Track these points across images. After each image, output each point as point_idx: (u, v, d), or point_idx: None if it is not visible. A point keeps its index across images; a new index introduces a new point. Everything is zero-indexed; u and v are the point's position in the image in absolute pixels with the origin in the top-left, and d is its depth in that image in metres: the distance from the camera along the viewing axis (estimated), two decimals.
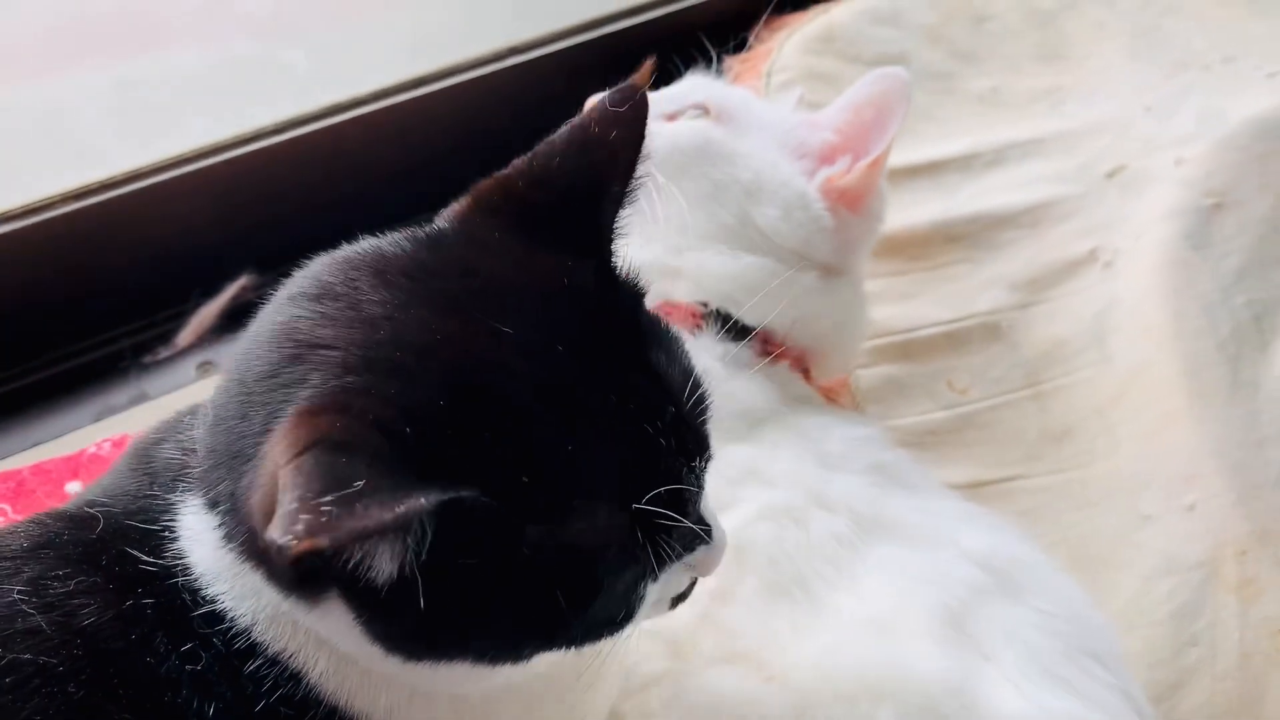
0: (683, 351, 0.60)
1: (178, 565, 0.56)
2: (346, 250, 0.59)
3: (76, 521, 0.60)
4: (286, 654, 0.56)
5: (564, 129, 0.61)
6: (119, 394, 1.18)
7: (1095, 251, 1.22)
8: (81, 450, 0.99)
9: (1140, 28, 1.48)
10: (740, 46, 1.46)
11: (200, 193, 1.24)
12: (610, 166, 0.59)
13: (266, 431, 0.49)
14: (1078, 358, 1.16)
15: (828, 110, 0.98)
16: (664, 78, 1.07)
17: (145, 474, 0.62)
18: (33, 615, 0.54)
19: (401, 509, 0.42)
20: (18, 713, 0.51)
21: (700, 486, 0.58)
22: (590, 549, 0.52)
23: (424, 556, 0.46)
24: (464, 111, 1.35)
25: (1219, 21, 1.46)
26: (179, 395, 1.17)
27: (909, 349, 1.18)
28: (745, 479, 0.84)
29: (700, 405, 0.58)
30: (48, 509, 0.64)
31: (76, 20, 1.38)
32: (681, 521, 0.55)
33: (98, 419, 1.14)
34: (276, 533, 0.42)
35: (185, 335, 1.22)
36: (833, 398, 1.04)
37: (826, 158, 0.96)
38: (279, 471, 0.44)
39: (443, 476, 0.45)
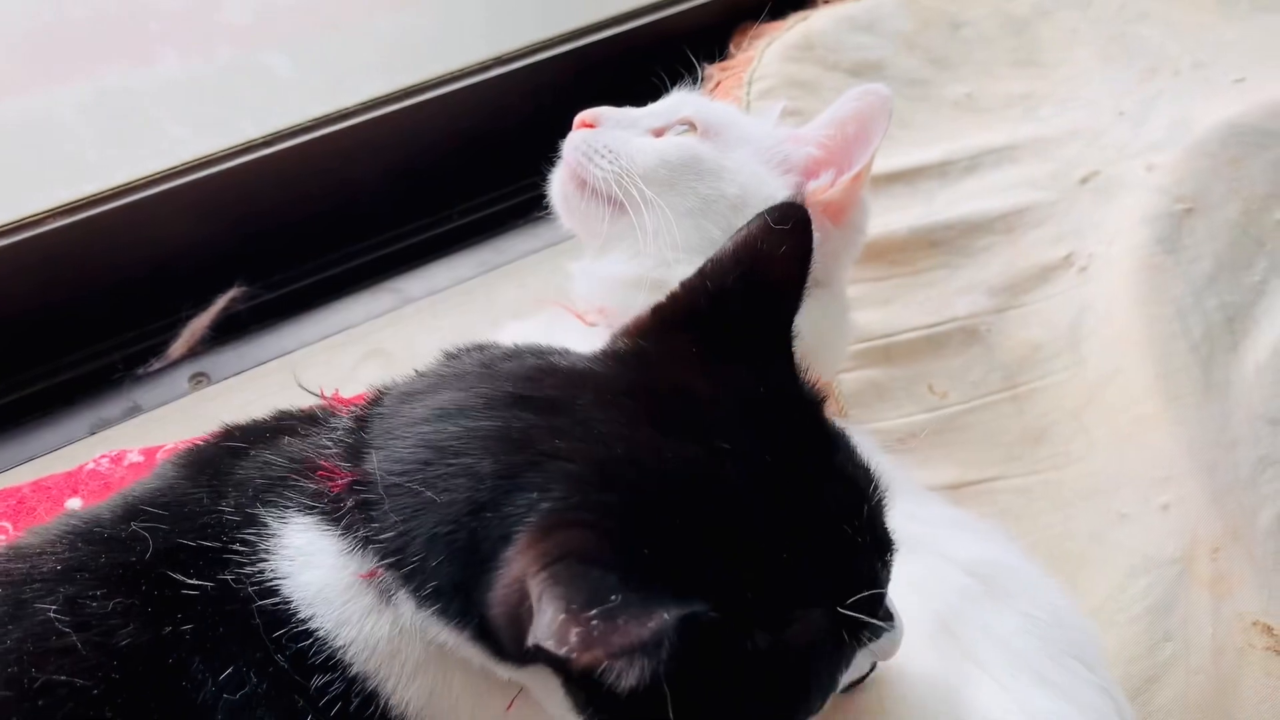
0: (856, 447, 0.64)
1: (251, 585, 0.58)
2: (549, 360, 0.62)
3: (115, 544, 0.60)
4: (370, 677, 0.58)
5: (730, 245, 0.66)
6: (112, 406, 1.18)
7: (1070, 257, 1.25)
8: (80, 466, 0.99)
9: (1112, 34, 1.51)
10: (721, 55, 1.48)
11: (189, 205, 1.24)
12: (784, 281, 0.64)
13: (502, 534, 0.52)
14: (1054, 361, 1.19)
15: (811, 125, 1.00)
16: (647, 87, 1.09)
17: (212, 491, 0.62)
18: (68, 634, 0.55)
19: (654, 625, 0.44)
20: None
21: (889, 580, 0.62)
22: (806, 649, 0.56)
23: (664, 667, 0.47)
24: (448, 122, 1.37)
25: (1190, 27, 1.50)
26: (172, 407, 1.18)
27: (890, 353, 1.20)
28: None
29: (882, 500, 0.62)
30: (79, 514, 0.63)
31: (55, 31, 1.38)
32: (877, 622, 0.59)
33: (92, 432, 1.15)
34: (551, 642, 0.45)
35: (177, 347, 1.23)
36: None
37: (810, 172, 0.98)
38: (530, 579, 0.47)
39: (681, 592, 0.47)
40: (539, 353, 0.64)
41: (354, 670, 0.58)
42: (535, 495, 0.52)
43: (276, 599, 0.57)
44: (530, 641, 0.47)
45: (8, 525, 0.92)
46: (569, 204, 1.00)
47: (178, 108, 1.36)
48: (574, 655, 0.44)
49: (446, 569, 0.55)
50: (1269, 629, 0.97)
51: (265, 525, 0.59)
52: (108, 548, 0.60)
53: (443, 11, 1.54)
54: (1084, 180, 1.31)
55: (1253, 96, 1.34)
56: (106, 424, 1.16)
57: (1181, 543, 1.02)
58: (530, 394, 0.59)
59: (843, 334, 1.08)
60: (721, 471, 0.55)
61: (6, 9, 1.34)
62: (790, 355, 0.65)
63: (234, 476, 0.62)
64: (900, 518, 0.86)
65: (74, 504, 0.94)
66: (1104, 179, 1.30)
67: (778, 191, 0.96)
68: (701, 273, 0.66)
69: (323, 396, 0.71)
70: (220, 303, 1.25)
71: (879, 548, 0.61)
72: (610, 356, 0.63)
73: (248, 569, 0.58)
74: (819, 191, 0.97)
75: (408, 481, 0.57)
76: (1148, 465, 1.07)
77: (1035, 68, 1.49)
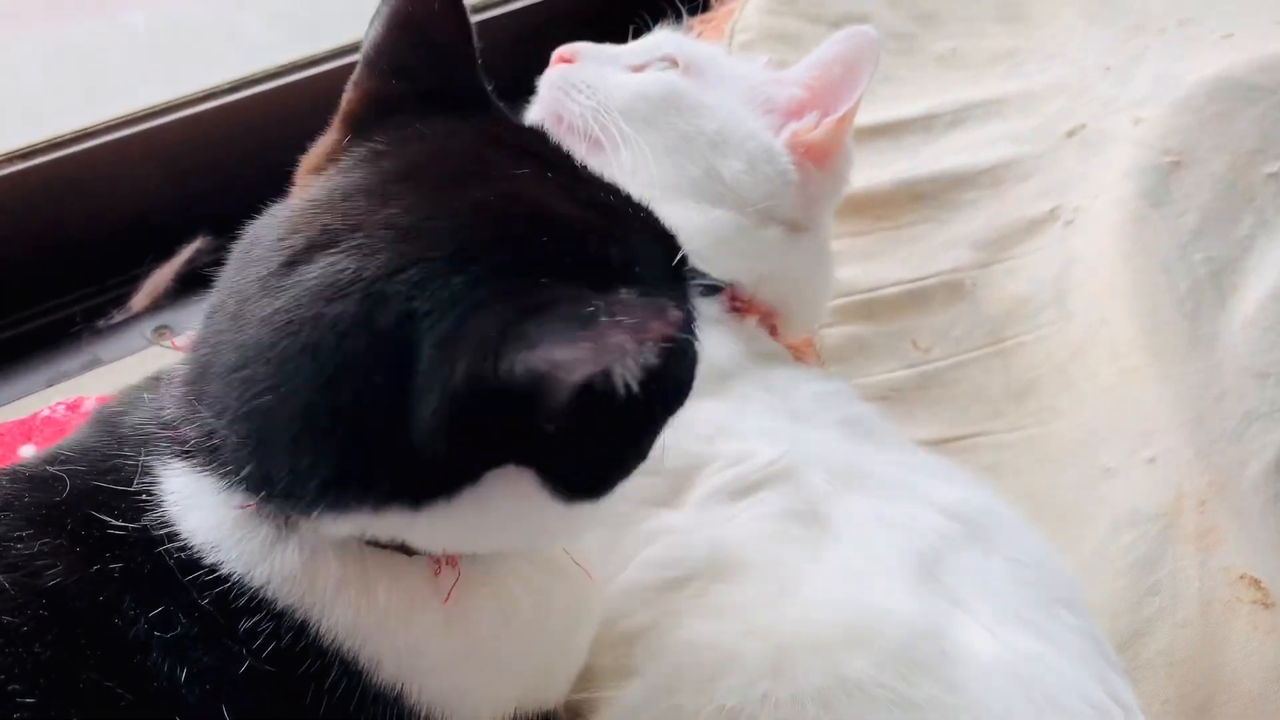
0: None
1: (159, 530, 0.56)
2: (292, 214, 0.57)
3: (38, 483, 0.59)
4: (296, 609, 0.55)
5: (383, 29, 0.63)
6: (71, 359, 1.15)
7: (1055, 210, 1.23)
8: (35, 413, 0.97)
9: None
10: (703, 7, 1.45)
11: (152, 153, 1.21)
12: (453, 35, 0.63)
13: (405, 361, 0.48)
14: (1039, 315, 1.17)
15: (796, 67, 0.98)
16: (629, 35, 1.06)
17: (113, 438, 0.61)
18: None
19: (676, 309, 0.46)
20: None
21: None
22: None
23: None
24: None
25: None
26: (132, 360, 1.15)
27: (872, 308, 1.18)
28: (716, 435, 0.84)
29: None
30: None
31: None
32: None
33: (50, 384, 1.12)
34: (589, 365, 0.46)
35: (139, 299, 1.19)
36: (798, 357, 1.04)
37: (794, 113, 0.96)
38: (506, 356, 0.45)
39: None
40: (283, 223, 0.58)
41: (279, 605, 0.55)
42: (413, 306, 0.48)
43: (182, 544, 0.55)
44: (556, 400, 0.47)
45: None
46: None
47: (145, 62, 1.33)
48: (608, 360, 0.46)
49: (324, 459, 0.51)
50: (1256, 582, 0.95)
51: (151, 471, 0.58)
52: (31, 486, 0.58)
53: None
54: (1070, 134, 1.29)
55: (1241, 52, 1.32)
56: (65, 376, 1.13)
57: (1167, 497, 1.00)
58: (307, 243, 0.54)
59: (825, 284, 1.05)
60: (536, 193, 0.55)
61: None
62: (497, 107, 0.65)
63: (122, 430, 0.61)
64: (880, 464, 0.85)
65: (27, 450, 0.92)
66: (1090, 133, 1.28)
67: (759, 131, 0.94)
68: (372, 63, 0.63)
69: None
70: (185, 254, 1.21)
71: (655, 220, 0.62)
72: (349, 167, 0.59)
73: (154, 515, 0.56)
74: (803, 132, 0.95)
75: (239, 404, 0.53)
76: (1133, 419, 1.05)
77: (1020, 24, 1.46)
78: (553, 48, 1.00)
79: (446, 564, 0.59)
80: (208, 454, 0.55)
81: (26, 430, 0.93)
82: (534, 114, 0.97)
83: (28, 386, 1.11)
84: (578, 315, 0.45)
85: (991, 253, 1.21)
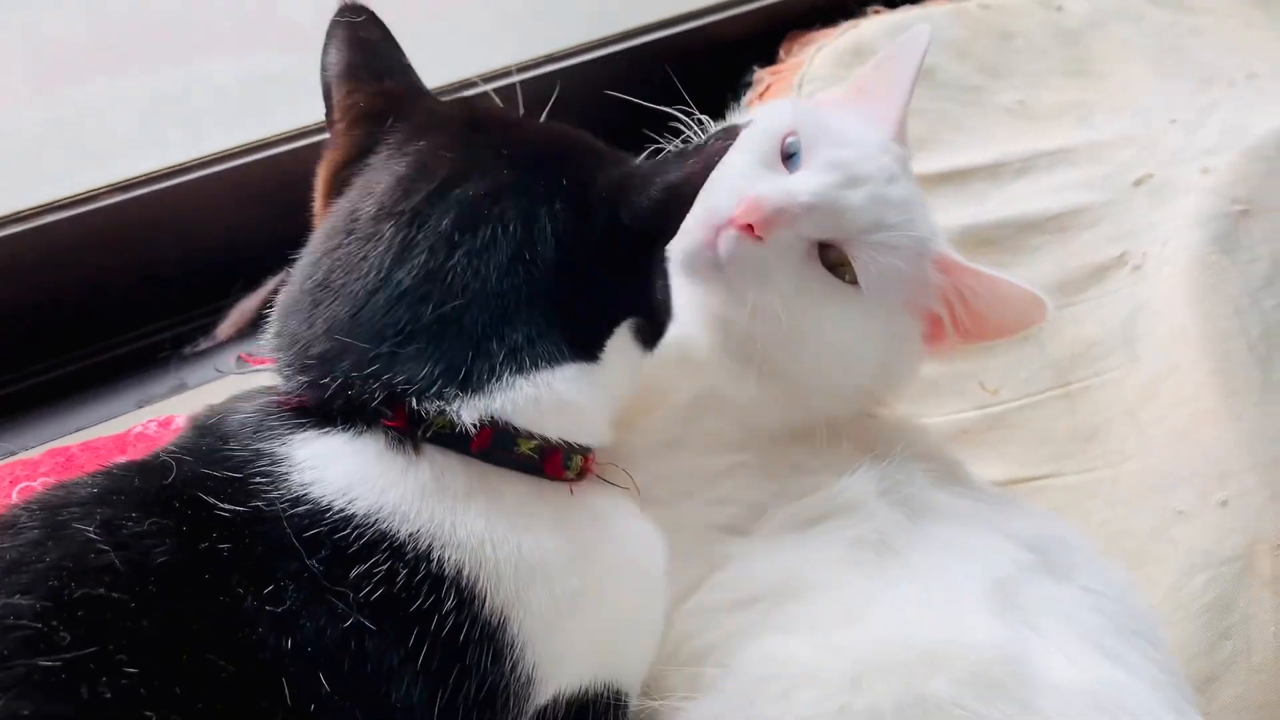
0: None
1: (280, 504, 0.60)
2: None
3: (148, 469, 0.62)
4: (420, 533, 0.60)
5: (335, 54, 0.76)
6: (159, 384, 1.19)
7: (1124, 256, 1.23)
8: (129, 429, 1.00)
9: (1165, 46, 1.50)
10: (770, 62, 1.49)
11: (238, 189, 1.25)
12: (384, 39, 0.77)
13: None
14: (1107, 359, 1.17)
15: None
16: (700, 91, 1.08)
17: (216, 436, 0.65)
18: (106, 552, 0.56)
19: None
20: (90, 646, 0.52)
21: None
22: None
23: None
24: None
25: (1242, 41, 1.49)
26: (217, 385, 1.18)
27: None
28: (789, 472, 0.86)
29: None
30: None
31: (121, 27, 1.40)
32: None
33: (139, 406, 1.15)
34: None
35: (225, 328, 1.23)
36: None
37: None
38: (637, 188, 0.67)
39: None
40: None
41: (402, 535, 0.60)
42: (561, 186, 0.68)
43: (307, 505, 0.60)
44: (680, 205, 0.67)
45: (54, 481, 0.91)
46: None
47: (231, 110, 1.37)
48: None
49: (523, 327, 0.64)
50: None
51: (272, 454, 0.62)
52: (141, 473, 0.62)
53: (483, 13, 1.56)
54: (1138, 183, 1.30)
55: None
56: (152, 399, 1.17)
57: (1241, 540, 0.99)
58: (429, 190, 0.67)
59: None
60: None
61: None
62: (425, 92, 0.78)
63: (225, 429, 0.66)
64: (954, 497, 0.86)
65: None
66: (1158, 181, 1.29)
67: None
68: (352, 74, 0.75)
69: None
70: (270, 285, 1.25)
71: None
72: (405, 140, 0.72)
73: (273, 493, 0.60)
74: None
75: (409, 325, 0.63)
76: (1205, 462, 1.04)
77: (1087, 78, 1.48)
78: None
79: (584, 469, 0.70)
80: (345, 409, 0.63)
81: (121, 445, 0.96)
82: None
83: (119, 407, 1.15)
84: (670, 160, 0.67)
85: (1059, 297, 1.21)
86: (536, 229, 0.66)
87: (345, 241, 0.67)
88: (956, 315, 0.86)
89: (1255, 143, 1.26)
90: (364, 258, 0.65)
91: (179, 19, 1.42)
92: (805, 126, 0.89)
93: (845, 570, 0.78)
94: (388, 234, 0.66)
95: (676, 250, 0.81)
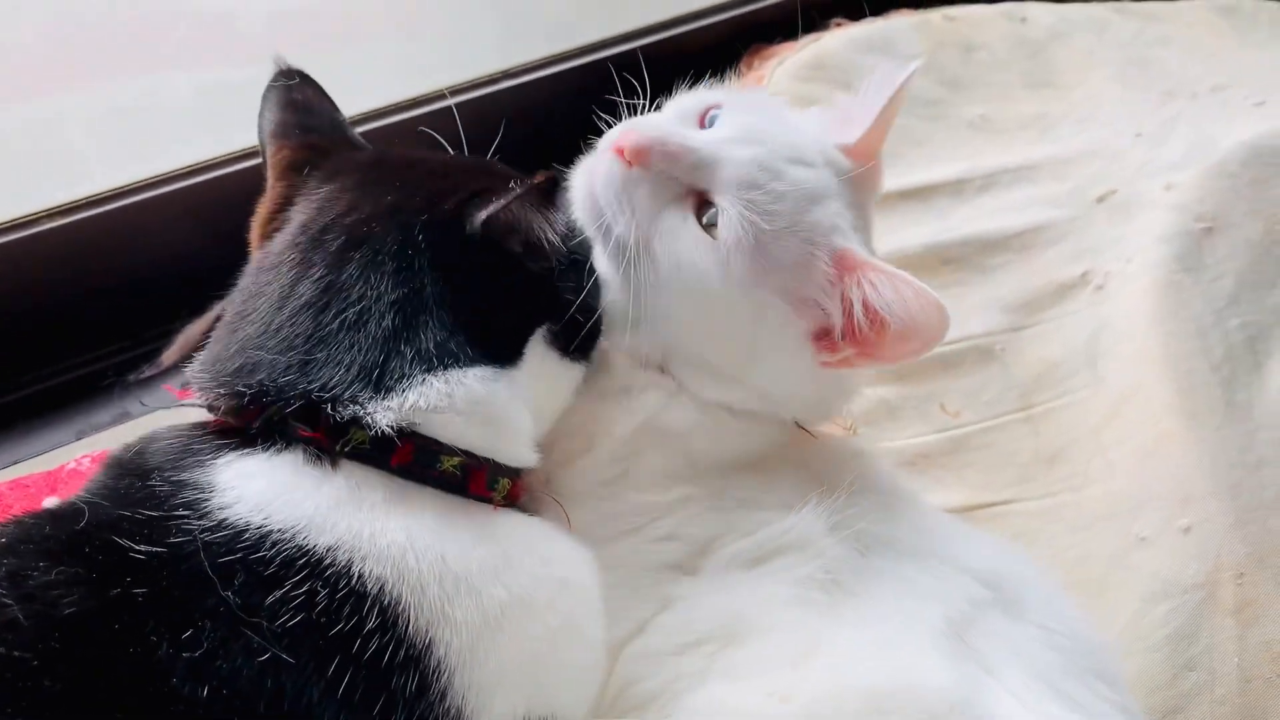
0: None
1: (199, 533, 0.59)
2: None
3: (58, 516, 0.61)
4: (339, 546, 0.60)
5: (274, 110, 0.83)
6: (103, 412, 1.16)
7: (1087, 275, 1.22)
8: (61, 466, 0.97)
9: (1130, 57, 1.49)
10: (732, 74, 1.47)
11: (187, 211, 1.23)
12: (319, 99, 0.84)
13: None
14: (1070, 380, 1.15)
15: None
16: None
17: (136, 473, 0.65)
18: (9, 606, 0.54)
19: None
20: None
21: None
22: None
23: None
24: (457, 131, 1.35)
25: (1208, 52, 1.48)
26: (162, 414, 1.15)
27: (901, 372, 1.17)
28: (736, 507, 0.83)
29: None
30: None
31: (73, 40, 1.37)
32: None
33: (80, 436, 1.12)
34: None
35: (170, 354, 1.20)
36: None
37: None
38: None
39: None
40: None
41: (319, 549, 0.60)
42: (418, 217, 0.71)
43: (226, 530, 0.59)
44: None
45: None
46: None
47: (185, 123, 1.35)
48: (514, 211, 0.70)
49: (426, 333, 0.67)
50: None
51: (195, 482, 0.62)
52: (52, 520, 0.61)
53: (454, 25, 1.54)
54: (1101, 199, 1.28)
55: (1274, 120, 1.31)
56: (95, 429, 1.14)
57: (1204, 567, 0.98)
58: (320, 229, 0.72)
59: None
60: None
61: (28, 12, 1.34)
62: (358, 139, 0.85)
63: (147, 464, 0.65)
64: (905, 529, 0.83)
65: (51, 503, 0.91)
66: (1121, 198, 1.27)
67: None
68: (284, 132, 0.82)
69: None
70: (216, 311, 1.22)
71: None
72: (319, 185, 0.77)
73: (194, 523, 0.60)
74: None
75: (313, 336, 0.66)
76: (1167, 486, 1.03)
77: (1051, 90, 1.47)
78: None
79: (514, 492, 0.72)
80: (265, 428, 0.64)
81: (53, 483, 0.94)
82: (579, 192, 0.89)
83: (59, 438, 1.12)
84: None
85: (1021, 317, 1.20)
86: (410, 242, 0.70)
87: (259, 275, 0.73)
88: (855, 321, 0.82)
89: (1219, 159, 1.25)
90: (270, 283, 0.71)
91: (135, 32, 1.40)
92: (733, 103, 0.90)
93: (794, 611, 0.76)
94: (290, 259, 0.71)
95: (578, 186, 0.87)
